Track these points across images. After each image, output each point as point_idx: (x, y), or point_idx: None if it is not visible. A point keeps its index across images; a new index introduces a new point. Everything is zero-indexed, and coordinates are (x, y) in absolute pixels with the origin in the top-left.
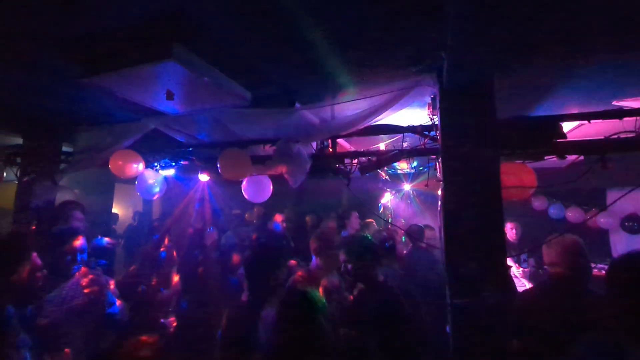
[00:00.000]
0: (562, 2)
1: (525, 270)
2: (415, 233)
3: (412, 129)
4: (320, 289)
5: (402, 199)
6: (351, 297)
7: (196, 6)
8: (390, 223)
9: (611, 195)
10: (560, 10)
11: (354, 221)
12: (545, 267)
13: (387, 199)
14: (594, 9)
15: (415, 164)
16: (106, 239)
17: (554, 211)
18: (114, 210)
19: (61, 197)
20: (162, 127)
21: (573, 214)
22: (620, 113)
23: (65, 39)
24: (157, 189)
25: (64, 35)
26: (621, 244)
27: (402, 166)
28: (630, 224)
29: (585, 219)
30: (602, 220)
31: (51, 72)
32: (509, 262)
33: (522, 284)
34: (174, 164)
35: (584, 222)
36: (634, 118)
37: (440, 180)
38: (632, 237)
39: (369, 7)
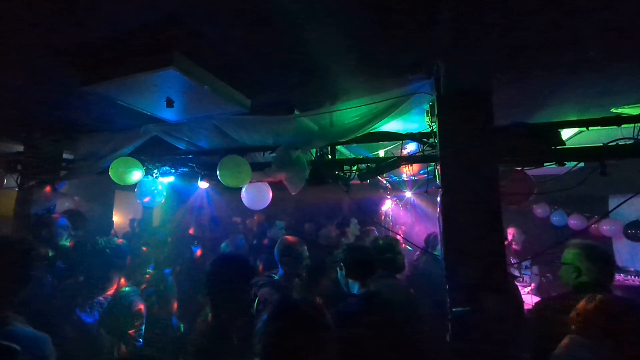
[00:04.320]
0: (553, 12)
1: (526, 277)
2: (431, 242)
3: (410, 136)
4: None
5: (403, 206)
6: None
7: (196, 16)
8: (391, 230)
9: (613, 202)
10: (552, 19)
11: (354, 228)
12: (548, 274)
13: (388, 205)
14: (585, 18)
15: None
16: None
17: (557, 218)
18: (114, 217)
19: (61, 204)
20: (162, 134)
21: (575, 221)
22: (618, 120)
23: (66, 47)
24: (156, 197)
25: (65, 44)
26: (625, 251)
27: (407, 170)
28: (634, 231)
29: (588, 225)
30: (605, 227)
31: (52, 80)
32: (515, 272)
33: (523, 292)
34: (173, 171)
35: (587, 229)
36: (632, 125)
37: (440, 187)
38: (636, 244)
39: (366, 15)
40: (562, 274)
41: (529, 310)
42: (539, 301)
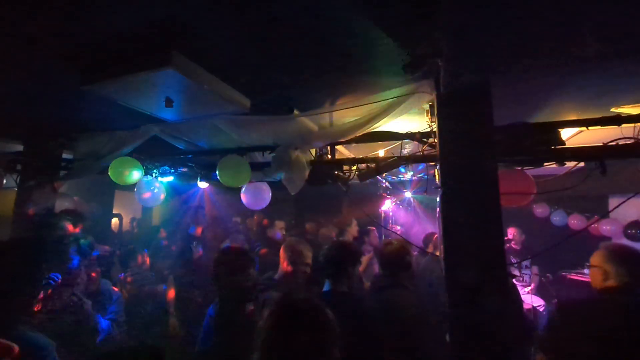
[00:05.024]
0: (553, 12)
1: (526, 277)
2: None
3: (410, 136)
4: None
5: (403, 206)
6: None
7: (195, 15)
8: (391, 230)
9: (613, 202)
10: (552, 19)
11: (354, 228)
12: (548, 274)
13: (388, 205)
14: (585, 17)
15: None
16: (104, 247)
17: (557, 218)
18: (113, 219)
19: (61, 204)
20: (162, 134)
21: (575, 221)
22: (618, 119)
23: (66, 47)
24: (156, 197)
25: (65, 44)
26: None
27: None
28: (633, 231)
29: (587, 225)
30: (605, 227)
31: (52, 80)
32: (515, 272)
33: (523, 291)
34: (173, 170)
35: (586, 229)
36: (632, 125)
37: (439, 187)
38: (636, 244)
39: (366, 15)
40: (590, 276)
41: (554, 310)
42: (563, 304)
